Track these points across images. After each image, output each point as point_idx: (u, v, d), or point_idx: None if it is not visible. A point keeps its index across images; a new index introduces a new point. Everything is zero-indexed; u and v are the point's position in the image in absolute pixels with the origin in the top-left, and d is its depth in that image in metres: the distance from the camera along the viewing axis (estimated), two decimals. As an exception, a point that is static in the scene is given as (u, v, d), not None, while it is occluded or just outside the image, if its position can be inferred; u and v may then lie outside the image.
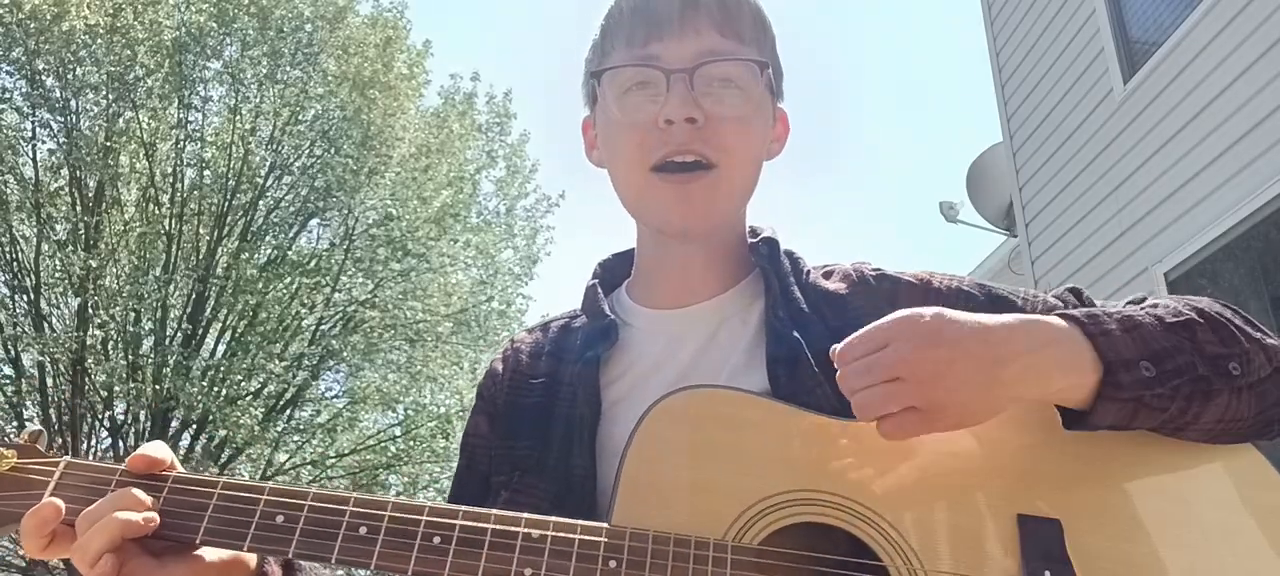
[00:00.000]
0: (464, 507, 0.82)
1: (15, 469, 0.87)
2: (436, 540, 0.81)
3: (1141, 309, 0.89)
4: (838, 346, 0.84)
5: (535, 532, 0.81)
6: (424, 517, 0.82)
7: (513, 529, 0.81)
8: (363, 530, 0.82)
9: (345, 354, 11.71)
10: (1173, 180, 5.39)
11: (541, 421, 1.00)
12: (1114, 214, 5.90)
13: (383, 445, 12.55)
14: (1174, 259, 5.33)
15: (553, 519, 0.82)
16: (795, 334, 0.97)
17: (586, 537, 0.81)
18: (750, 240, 1.10)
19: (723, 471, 0.85)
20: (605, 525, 0.82)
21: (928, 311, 0.82)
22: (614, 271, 1.16)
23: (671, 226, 1.02)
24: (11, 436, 0.91)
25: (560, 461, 0.95)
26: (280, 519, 0.83)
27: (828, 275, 1.07)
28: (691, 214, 0.99)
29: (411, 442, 12.36)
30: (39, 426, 0.93)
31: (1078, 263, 6.25)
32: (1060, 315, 0.86)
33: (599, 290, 1.11)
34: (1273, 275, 4.88)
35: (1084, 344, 0.83)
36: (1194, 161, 5.23)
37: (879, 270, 1.06)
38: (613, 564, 0.79)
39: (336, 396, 12.66)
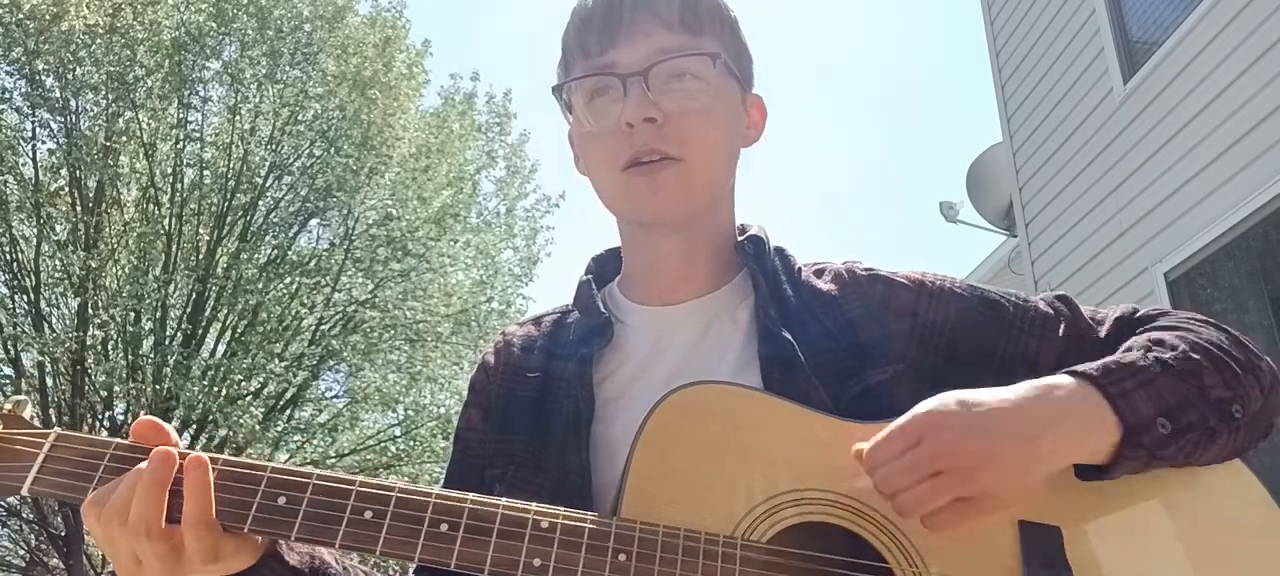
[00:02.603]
0: (472, 495, 0.81)
1: (0, 439, 0.83)
2: (444, 527, 0.79)
3: (1145, 351, 0.89)
4: (863, 446, 0.84)
5: (544, 522, 0.80)
6: (432, 504, 0.80)
7: (522, 517, 0.80)
8: (368, 514, 0.80)
9: (345, 354, 11.70)
10: (1173, 180, 5.38)
11: (536, 416, 1.01)
12: (1114, 214, 5.89)
13: (383, 445, 12.54)
14: (1174, 259, 5.33)
15: (562, 509, 0.81)
16: (787, 334, 0.97)
17: (596, 529, 0.80)
18: (738, 238, 1.09)
19: (732, 468, 0.84)
20: (615, 517, 0.81)
21: (950, 399, 0.82)
22: (606, 266, 1.16)
23: (646, 216, 1.02)
24: None
25: (556, 458, 0.96)
26: (283, 500, 0.81)
27: (819, 273, 1.06)
28: (663, 202, 0.99)
29: (411, 442, 12.35)
30: (23, 395, 0.89)
31: (1078, 263, 6.24)
32: (1071, 372, 0.86)
33: (592, 285, 1.10)
34: (1273, 275, 4.87)
35: (1103, 404, 0.84)
36: (1194, 161, 5.23)
37: (871, 269, 1.05)
38: (622, 557, 0.79)
39: (336, 396, 12.68)
